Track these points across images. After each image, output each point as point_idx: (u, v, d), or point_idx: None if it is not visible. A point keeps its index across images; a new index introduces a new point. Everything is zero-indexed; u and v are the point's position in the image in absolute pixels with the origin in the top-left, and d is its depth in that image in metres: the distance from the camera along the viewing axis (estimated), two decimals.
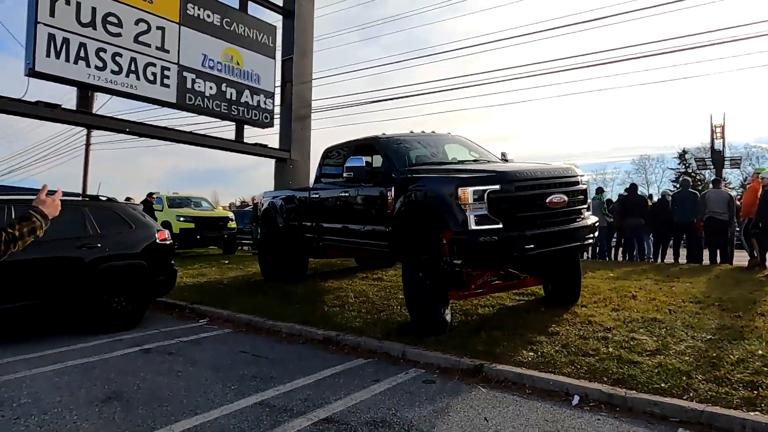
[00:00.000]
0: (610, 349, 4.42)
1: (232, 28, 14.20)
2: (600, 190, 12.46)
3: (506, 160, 6.60)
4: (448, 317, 5.27)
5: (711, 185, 11.87)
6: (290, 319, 6.18)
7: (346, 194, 6.85)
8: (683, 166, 52.75)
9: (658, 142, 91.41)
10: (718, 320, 5.11)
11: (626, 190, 11.91)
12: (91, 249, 5.94)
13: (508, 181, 4.80)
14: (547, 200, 4.88)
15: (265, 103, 15.16)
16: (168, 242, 6.91)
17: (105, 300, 6.02)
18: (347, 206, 6.94)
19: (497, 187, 4.72)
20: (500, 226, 4.66)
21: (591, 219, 5.47)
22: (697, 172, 47.90)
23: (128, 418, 3.55)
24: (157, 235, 6.71)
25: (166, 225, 12.36)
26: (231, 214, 16.54)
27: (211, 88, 13.62)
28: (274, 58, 15.56)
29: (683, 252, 10.99)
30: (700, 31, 27.81)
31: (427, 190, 5.29)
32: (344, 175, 6.21)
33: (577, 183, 5.27)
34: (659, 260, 10.84)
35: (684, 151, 52.27)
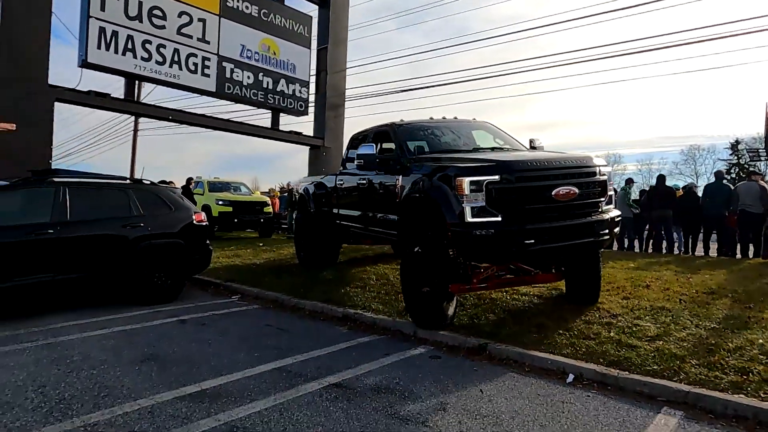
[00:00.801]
0: (612, 334, 4.61)
1: (269, 19, 14.68)
2: (629, 181, 12.31)
3: (534, 148, 6.25)
4: (451, 310, 5.08)
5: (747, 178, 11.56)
6: (314, 298, 6.60)
7: (363, 182, 6.83)
8: (735, 157, 50.32)
9: (710, 132, 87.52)
10: (727, 310, 5.18)
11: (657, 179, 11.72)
12: (134, 228, 6.52)
13: (509, 172, 4.56)
14: (553, 192, 4.56)
15: (300, 91, 15.63)
16: (204, 224, 7.44)
17: (146, 275, 6.60)
18: (363, 194, 6.94)
19: (496, 177, 4.50)
20: (499, 219, 4.47)
21: (611, 213, 5.04)
22: (750, 163, 45.72)
23: (163, 376, 4.03)
24: (194, 216, 7.25)
25: (206, 208, 13.00)
26: (267, 199, 17.14)
27: (248, 77, 14.17)
28: (309, 47, 15.98)
29: (714, 245, 10.80)
30: (754, 16, 26.49)
31: (429, 180, 5.10)
32: (355, 162, 6.24)
33: (593, 174, 4.90)
34: (690, 253, 10.69)
35: (737, 141, 49.77)
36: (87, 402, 3.48)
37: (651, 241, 11.57)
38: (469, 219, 4.48)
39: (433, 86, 20.62)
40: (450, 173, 4.75)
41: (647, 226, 12.07)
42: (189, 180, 12.69)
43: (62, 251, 5.90)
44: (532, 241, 4.48)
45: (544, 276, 5.57)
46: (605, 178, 5.00)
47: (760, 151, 40.09)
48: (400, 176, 5.70)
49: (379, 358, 4.50)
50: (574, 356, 4.24)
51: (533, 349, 4.44)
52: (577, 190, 4.68)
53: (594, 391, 3.77)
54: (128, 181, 7.08)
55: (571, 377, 4.00)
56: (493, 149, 6.17)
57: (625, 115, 79.67)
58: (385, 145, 7.08)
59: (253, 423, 3.20)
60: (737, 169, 46.80)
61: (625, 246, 11.99)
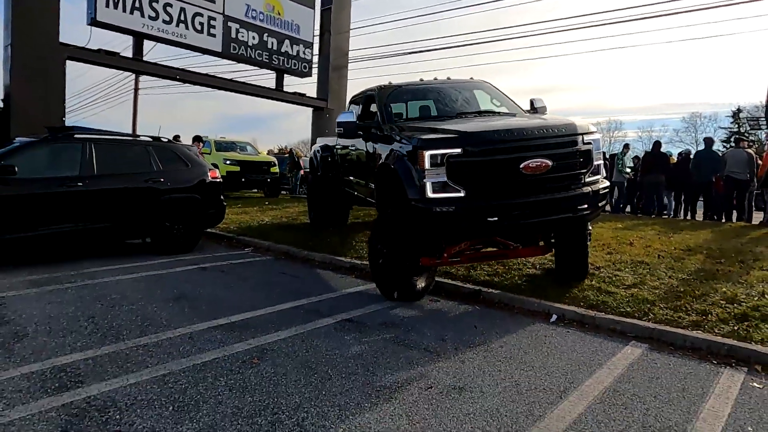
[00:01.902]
0: (593, 283, 5.14)
1: None
2: (626, 147, 12.71)
3: (535, 110, 5.89)
4: (422, 284, 4.95)
5: (734, 144, 11.98)
6: (322, 251, 7.11)
7: (352, 148, 6.76)
8: (736, 126, 50.29)
9: (713, 99, 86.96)
10: (699, 265, 5.73)
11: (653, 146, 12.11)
12: (155, 182, 6.97)
13: (472, 144, 4.26)
14: (521, 166, 4.22)
15: (303, 53, 15.74)
16: (218, 180, 7.89)
17: (167, 227, 7.09)
18: (351, 160, 6.90)
19: (458, 150, 4.21)
20: (461, 194, 4.22)
21: (596, 185, 4.61)
22: (750, 132, 45.81)
23: (195, 311, 4.57)
24: (209, 173, 7.68)
25: (214, 167, 13.35)
26: (274, 159, 17.45)
27: (253, 37, 14.29)
28: (313, 8, 16.01)
29: (701, 210, 11.31)
30: None
31: (395, 151, 4.87)
32: (336, 129, 5.89)
33: (572, 144, 4.45)
34: (685, 217, 11.20)
35: (738, 109, 49.68)
36: (134, 329, 4.02)
37: (640, 205, 12.06)
38: (430, 195, 4.26)
39: (440, 48, 20.60)
40: (411, 146, 4.51)
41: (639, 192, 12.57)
42: (196, 138, 12.99)
43: (91, 203, 6.37)
44: (496, 218, 4.23)
45: (526, 250, 5.23)
46: (589, 147, 4.53)
47: (760, 120, 40.14)
48: (379, 144, 5.50)
49: (385, 302, 5.03)
50: (558, 300, 4.78)
51: (522, 295, 4.99)
52: (550, 163, 4.28)
53: (573, 329, 4.32)
54: (148, 138, 7.46)
55: (554, 317, 4.55)
56: (480, 113, 5.77)
57: (628, 82, 79.00)
58: (372, 109, 6.55)
59: (279, 347, 3.74)
60: (737, 138, 47.05)
61: (620, 208, 12.49)
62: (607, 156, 13.86)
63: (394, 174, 4.76)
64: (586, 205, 4.50)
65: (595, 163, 4.64)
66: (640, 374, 3.41)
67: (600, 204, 4.70)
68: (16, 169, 5.75)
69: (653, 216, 11.47)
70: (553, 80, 78.41)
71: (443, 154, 4.23)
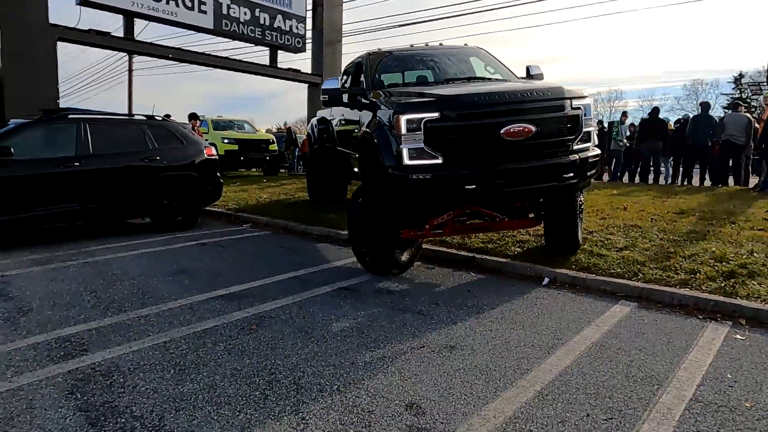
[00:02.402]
0: (585, 246, 5.22)
1: None
2: (624, 115, 12.67)
3: (531, 77, 5.61)
4: (405, 257, 4.85)
5: (730, 109, 11.93)
6: (320, 225, 7.19)
7: (341, 119, 6.75)
8: (738, 92, 49.79)
9: (714, 66, 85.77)
10: (691, 227, 5.80)
11: (649, 113, 12.09)
12: (151, 161, 7.00)
13: (450, 108, 4.07)
14: (502, 131, 4.00)
15: (297, 27, 15.57)
16: (214, 157, 7.92)
17: (165, 204, 7.16)
18: (343, 131, 6.78)
19: (436, 114, 4.02)
20: (439, 161, 4.04)
21: (585, 153, 4.35)
22: (751, 98, 45.43)
23: (195, 284, 4.67)
24: (205, 150, 7.71)
25: (212, 146, 13.32)
26: (272, 137, 17.38)
27: (245, 13, 14.12)
28: None
29: (697, 175, 11.33)
30: None
31: (376, 118, 4.67)
32: (320, 97, 5.61)
33: (558, 108, 4.21)
34: (684, 183, 11.22)
35: (740, 74, 49.22)
36: (135, 302, 4.13)
37: (638, 171, 12.09)
38: (406, 162, 4.08)
39: (434, 19, 20.24)
40: (388, 110, 4.32)
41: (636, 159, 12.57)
42: (192, 116, 12.88)
43: (87, 182, 6.42)
44: (474, 186, 4.01)
45: (514, 222, 5.05)
46: (578, 113, 4.27)
47: (762, 84, 39.73)
48: (363, 112, 5.28)
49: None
50: (549, 264, 4.86)
51: (515, 260, 5.08)
52: (533, 128, 4.05)
53: (565, 291, 4.42)
54: (142, 117, 7.46)
55: (546, 280, 4.64)
56: (470, 79, 5.49)
57: (629, 50, 77.83)
58: (362, 78, 6.26)
59: (277, 314, 3.85)
60: (734, 102, 46.61)
61: (618, 177, 12.53)
62: (605, 125, 13.84)
63: (372, 141, 4.59)
64: (572, 174, 4.22)
65: (585, 129, 4.34)
66: (627, 330, 3.52)
67: (589, 173, 4.41)
68: (12, 150, 5.79)
69: (650, 183, 11.51)
70: (552, 50, 77.37)
71: (420, 119, 4.02)
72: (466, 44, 6.48)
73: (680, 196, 7.96)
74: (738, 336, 3.42)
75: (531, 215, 5.06)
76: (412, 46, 6.44)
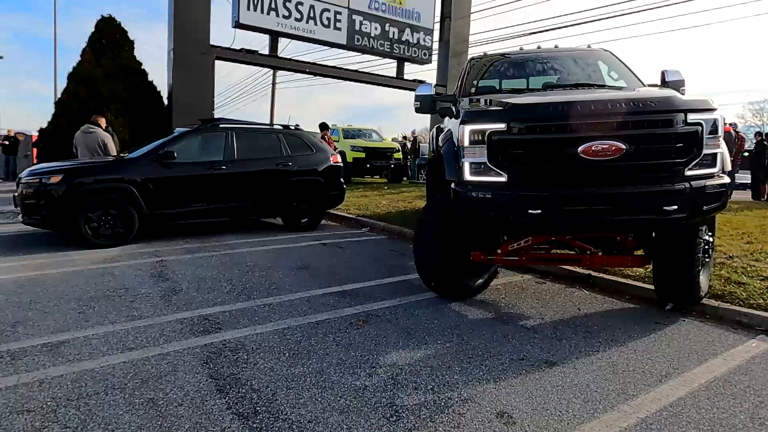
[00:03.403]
0: (722, 272, 4.71)
1: None
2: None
3: (666, 84, 4.56)
4: (477, 282, 4.51)
5: None
6: None
7: (441, 126, 5.96)
8: None
9: None
10: None
11: None
12: (285, 166, 7.75)
13: (518, 119, 3.51)
14: (580, 149, 3.35)
15: (424, 40, 15.96)
16: (339, 164, 8.49)
17: (294, 206, 7.86)
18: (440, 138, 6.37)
19: (502, 126, 3.51)
20: (503, 179, 3.54)
21: (700, 182, 3.40)
22: None
23: (314, 279, 5.10)
24: (331, 158, 8.31)
25: (341, 154, 14.22)
26: (397, 145, 18.01)
27: (376, 28, 14.84)
28: None
29: None
30: None
31: (448, 127, 4.33)
32: (414, 103, 5.09)
33: (663, 124, 3.39)
34: None
35: None
36: (262, 291, 4.64)
37: None
38: (467, 177, 3.68)
39: (562, 27, 19.33)
40: (458, 120, 3.88)
41: None
42: (323, 125, 13.86)
43: (232, 184, 7.30)
44: (539, 211, 3.43)
45: (610, 258, 4.29)
46: (695, 129, 3.38)
47: None
48: (447, 120, 4.87)
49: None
50: None
51: (632, 280, 4.75)
52: (623, 146, 3.32)
53: (691, 318, 4.04)
54: (279, 127, 8.28)
55: (670, 305, 4.27)
56: (579, 86, 4.69)
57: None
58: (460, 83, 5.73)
59: (383, 313, 4.07)
60: None
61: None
62: (764, 138, 12.14)
63: (439, 152, 4.21)
64: (676, 206, 3.35)
65: (707, 151, 3.42)
66: (763, 368, 3.14)
67: (706, 206, 3.44)
68: (176, 154, 6.81)
69: None
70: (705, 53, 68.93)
71: (484, 130, 3.57)
72: (589, 46, 5.75)
73: None
74: None
75: (638, 251, 4.28)
76: (521, 48, 5.85)
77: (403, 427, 2.41)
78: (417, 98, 4.97)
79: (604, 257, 4.26)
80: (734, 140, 10.93)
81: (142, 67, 12.32)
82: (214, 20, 12.08)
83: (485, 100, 4.13)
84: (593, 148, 3.35)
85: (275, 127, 8.30)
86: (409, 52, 15.73)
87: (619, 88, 4.65)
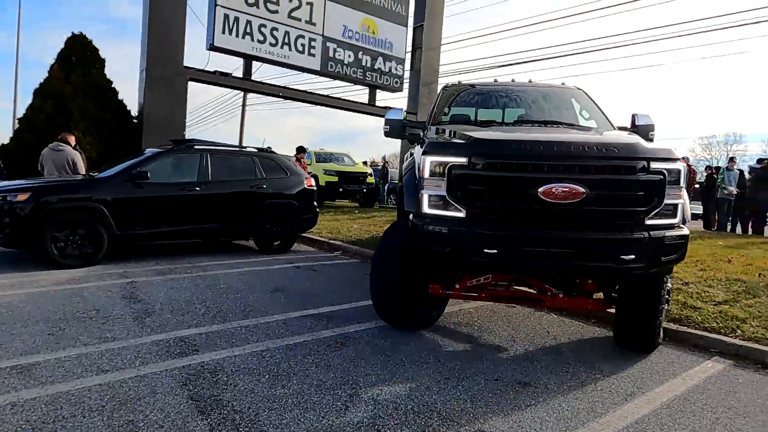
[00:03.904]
0: (679, 297, 4.99)
1: (370, 0, 15.47)
2: (732, 161, 11.78)
3: (635, 127, 4.53)
4: (433, 313, 4.44)
5: None
6: None
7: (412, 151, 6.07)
8: None
9: None
10: None
11: (757, 161, 11.14)
12: (258, 188, 7.77)
13: (479, 155, 3.40)
14: (540, 190, 3.24)
15: (396, 69, 16.37)
16: (313, 188, 8.58)
17: (267, 228, 7.87)
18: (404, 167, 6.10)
19: (463, 160, 3.41)
20: (461, 215, 3.42)
21: (659, 231, 3.31)
22: None
23: (290, 301, 5.12)
24: (305, 181, 8.39)
25: (314, 177, 14.27)
26: (370, 170, 18.16)
27: (349, 56, 15.16)
28: (406, 26, 16.61)
29: None
30: None
31: (413, 156, 4.25)
32: (383, 127, 4.98)
33: (625, 170, 3.30)
34: None
35: None
36: (238, 313, 4.63)
37: (750, 223, 11.12)
38: (425, 210, 3.56)
39: (532, 61, 20.23)
40: (421, 149, 3.77)
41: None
42: (300, 148, 13.91)
43: (205, 205, 7.26)
44: (494, 251, 3.31)
45: (571, 301, 4.05)
46: (658, 178, 3.31)
47: None
48: (414, 147, 4.65)
49: (464, 302, 5.27)
50: None
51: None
52: (583, 191, 3.22)
53: None
54: (254, 149, 8.33)
55: None
56: (547, 123, 4.67)
57: (751, 90, 71.49)
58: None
59: (360, 335, 4.13)
60: None
61: (725, 227, 11.61)
62: (713, 171, 12.93)
63: (402, 180, 4.15)
64: (634, 256, 3.24)
65: (668, 201, 3.35)
66: (718, 387, 3.36)
67: (665, 257, 3.35)
68: (149, 174, 6.76)
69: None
70: (661, 90, 73.07)
71: (445, 163, 3.47)
72: (563, 84, 5.70)
73: None
74: None
75: (598, 295, 4.16)
76: (495, 80, 5.76)
77: None
78: (387, 122, 4.89)
79: (564, 299, 4.06)
80: (687, 173, 11.58)
81: (113, 86, 12.15)
82: (187, 41, 12.11)
83: (450, 132, 4.08)
84: (553, 190, 3.24)
85: (249, 149, 8.33)
86: (381, 80, 16.09)
87: (589, 129, 4.57)
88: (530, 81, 5.67)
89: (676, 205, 3.42)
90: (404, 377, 3.33)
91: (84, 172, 7.94)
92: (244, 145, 10.78)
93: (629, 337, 3.98)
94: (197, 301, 5.00)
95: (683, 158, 11.72)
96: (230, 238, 7.99)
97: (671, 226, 3.40)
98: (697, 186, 14.84)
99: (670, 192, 3.37)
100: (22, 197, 6.04)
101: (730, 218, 11.71)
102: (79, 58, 11.64)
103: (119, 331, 3.98)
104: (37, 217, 6.03)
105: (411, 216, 3.71)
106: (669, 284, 4.00)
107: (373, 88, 16.18)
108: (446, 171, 3.45)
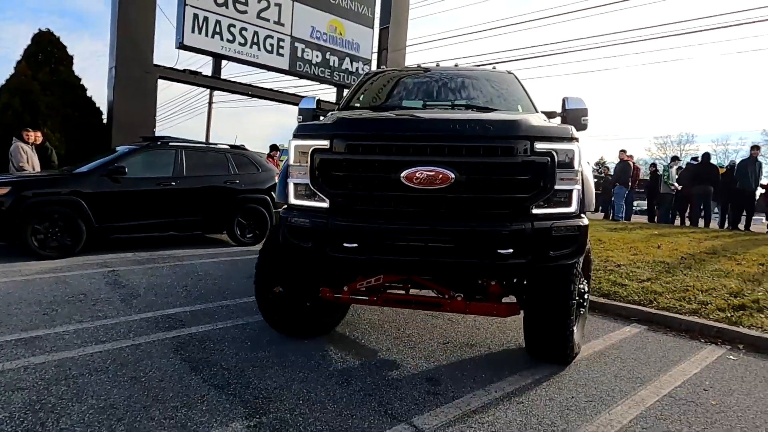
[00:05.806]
0: (611, 277, 5.71)
1: (337, 2, 15.95)
2: (674, 159, 12.82)
3: (566, 111, 3.93)
4: (328, 320, 4.03)
5: None
6: None
7: None
8: None
9: None
10: (718, 265, 6.12)
11: (692, 159, 12.19)
12: (232, 183, 8.17)
13: (340, 136, 3.03)
14: (403, 175, 2.84)
15: (362, 69, 16.86)
16: None
17: (240, 221, 8.27)
18: None
19: (325, 143, 3.04)
20: (325, 205, 3.06)
21: (546, 222, 2.88)
22: None
23: None
24: (276, 177, 8.82)
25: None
26: None
27: (317, 56, 15.59)
28: (372, 27, 17.16)
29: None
30: None
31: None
32: (297, 117, 4.52)
33: (503, 152, 2.86)
34: (731, 228, 11.24)
35: None
36: (217, 296, 5.07)
37: (687, 215, 12.15)
38: (292, 200, 3.22)
39: (498, 63, 21.03)
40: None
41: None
42: (273, 146, 14.22)
43: (180, 199, 7.62)
44: (355, 245, 2.92)
45: (473, 305, 3.47)
46: (543, 160, 2.87)
47: None
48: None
49: None
50: None
51: None
52: (452, 175, 2.81)
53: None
54: (226, 146, 8.70)
55: None
56: (455, 106, 4.25)
57: (704, 92, 75.18)
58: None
59: None
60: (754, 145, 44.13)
61: (669, 220, 12.62)
62: (658, 169, 13.98)
63: None
64: (512, 250, 2.81)
65: (559, 187, 2.90)
66: (629, 344, 4.04)
67: (554, 252, 2.89)
68: (126, 170, 7.07)
69: (701, 226, 11.55)
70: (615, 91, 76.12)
71: (308, 146, 3.10)
72: (494, 68, 5.31)
73: (721, 239, 8.16)
74: (731, 357, 3.85)
75: (508, 299, 3.55)
76: (418, 65, 5.27)
77: (354, 389, 3.01)
78: (300, 111, 4.45)
79: (467, 303, 3.46)
80: (631, 170, 12.60)
81: (81, 83, 12.21)
82: (157, 39, 12.28)
83: (334, 116, 3.50)
84: (417, 174, 2.83)
85: (222, 146, 8.70)
86: (349, 80, 16.56)
87: (495, 111, 3.97)
88: (456, 65, 5.20)
89: (570, 191, 2.95)
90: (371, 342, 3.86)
91: (39, 169, 8.23)
92: (215, 142, 11.08)
93: (538, 347, 3.54)
94: (178, 285, 5.40)
95: (629, 156, 12.63)
96: (204, 231, 8.35)
97: (564, 216, 2.95)
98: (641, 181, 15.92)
99: (563, 176, 2.91)
100: (2, 191, 6.28)
101: (670, 212, 12.75)
102: (47, 55, 11.68)
103: (109, 311, 4.38)
104: (18, 211, 6.28)
105: (282, 208, 3.36)
106: (583, 286, 3.57)
107: (340, 88, 16.64)
108: (309, 156, 3.09)
